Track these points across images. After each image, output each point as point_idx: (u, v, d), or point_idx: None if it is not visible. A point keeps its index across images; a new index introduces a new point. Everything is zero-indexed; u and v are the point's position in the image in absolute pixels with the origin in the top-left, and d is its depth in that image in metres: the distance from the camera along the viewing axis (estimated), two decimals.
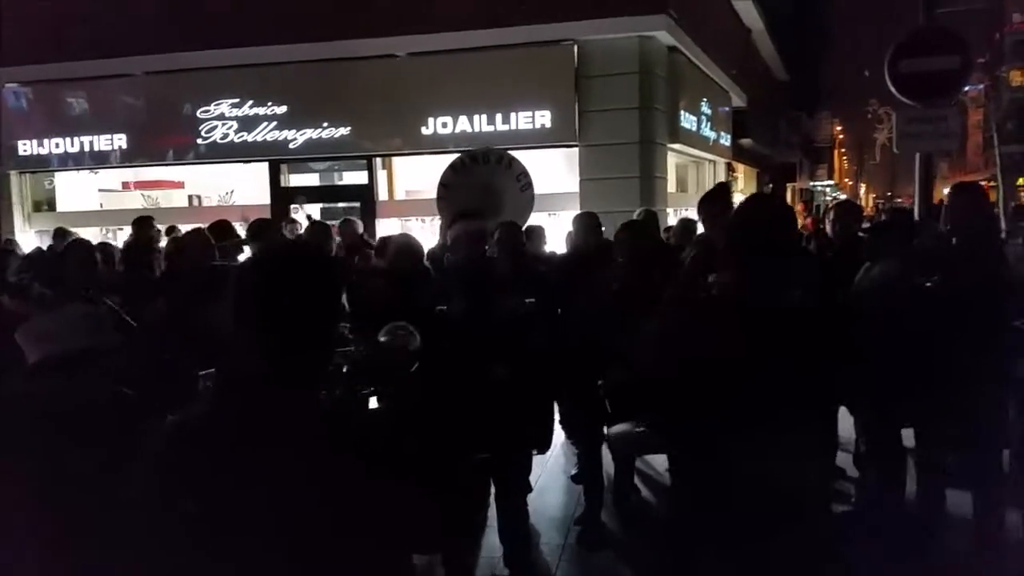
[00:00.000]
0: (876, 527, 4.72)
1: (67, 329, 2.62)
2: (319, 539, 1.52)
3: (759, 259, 2.41)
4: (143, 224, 7.25)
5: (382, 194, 11.70)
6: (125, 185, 13.47)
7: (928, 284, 4.21)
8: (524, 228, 6.54)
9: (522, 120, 10.40)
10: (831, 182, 46.16)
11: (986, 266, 4.04)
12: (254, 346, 1.62)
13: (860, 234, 5.49)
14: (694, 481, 2.46)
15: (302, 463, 1.52)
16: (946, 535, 4.45)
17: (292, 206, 11.59)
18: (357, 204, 11.46)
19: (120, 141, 11.86)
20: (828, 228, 6.22)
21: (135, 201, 13.14)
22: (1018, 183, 41.72)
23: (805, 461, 2.31)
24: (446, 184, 6.71)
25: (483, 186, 6.45)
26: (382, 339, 3.25)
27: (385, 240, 6.19)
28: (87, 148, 11.96)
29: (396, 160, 11.93)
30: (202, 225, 6.13)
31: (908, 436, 4.77)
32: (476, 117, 10.53)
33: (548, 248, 6.91)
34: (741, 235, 2.52)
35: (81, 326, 2.64)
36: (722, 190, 5.41)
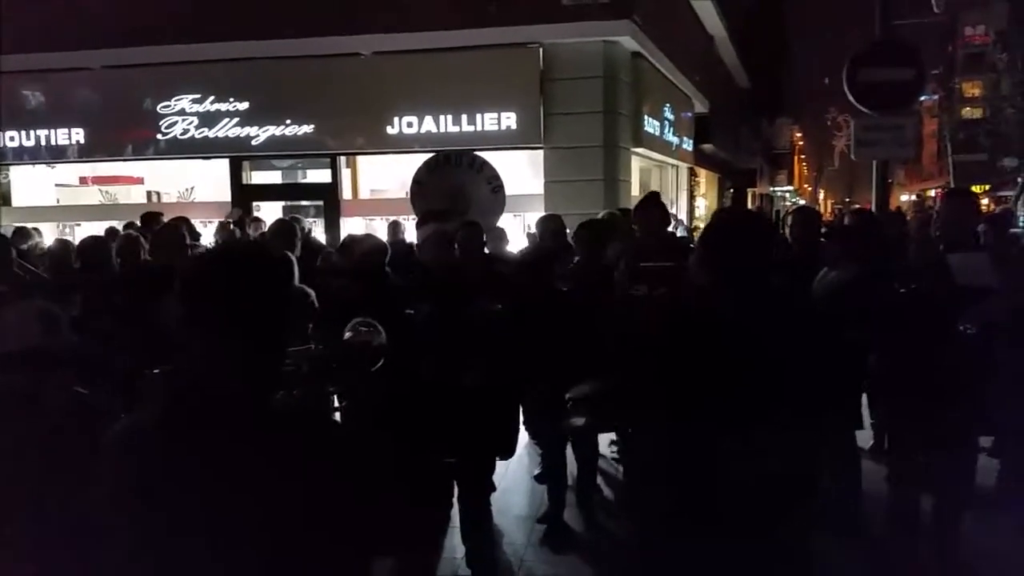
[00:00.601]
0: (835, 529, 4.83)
1: (20, 326, 2.58)
2: (275, 541, 1.52)
3: (744, 277, 2.46)
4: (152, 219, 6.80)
5: (346, 193, 11.64)
6: (83, 180, 13.21)
7: (903, 290, 4.28)
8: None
9: (488, 121, 10.43)
10: (791, 188, 46.91)
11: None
12: (202, 346, 1.61)
13: (820, 239, 5.60)
14: (674, 480, 2.48)
15: (254, 465, 1.51)
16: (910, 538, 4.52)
17: (254, 203, 11.50)
18: (320, 203, 11.40)
19: (78, 135, 11.64)
20: (787, 233, 6.32)
21: (92, 196, 12.91)
22: (972, 189, 42.73)
23: (786, 463, 2.35)
24: (419, 182, 6.78)
25: (454, 186, 6.50)
26: (346, 335, 3.24)
27: (350, 239, 6.16)
28: (44, 142, 11.72)
29: (360, 159, 11.88)
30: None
31: (863, 438, 4.87)
32: (442, 117, 10.53)
33: (510, 248, 6.94)
34: (728, 253, 2.53)
35: (35, 324, 2.60)
36: (656, 199, 5.71)
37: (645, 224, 5.57)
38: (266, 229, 7.73)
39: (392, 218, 9.66)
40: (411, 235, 8.91)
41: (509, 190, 9.68)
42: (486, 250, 5.80)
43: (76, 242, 7.29)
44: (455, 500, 4.39)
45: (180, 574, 1.51)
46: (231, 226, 8.36)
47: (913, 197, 59.80)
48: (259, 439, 1.54)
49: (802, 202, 49.24)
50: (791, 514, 2.40)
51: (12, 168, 12.32)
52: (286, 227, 6.21)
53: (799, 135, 56.95)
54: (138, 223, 8.10)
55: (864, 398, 5.10)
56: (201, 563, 1.50)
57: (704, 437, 2.30)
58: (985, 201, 43.10)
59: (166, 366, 3.12)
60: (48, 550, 2.19)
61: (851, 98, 7.24)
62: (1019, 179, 21.25)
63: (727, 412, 2.26)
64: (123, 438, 1.63)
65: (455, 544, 4.50)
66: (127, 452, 1.59)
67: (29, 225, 9.31)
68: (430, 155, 6.77)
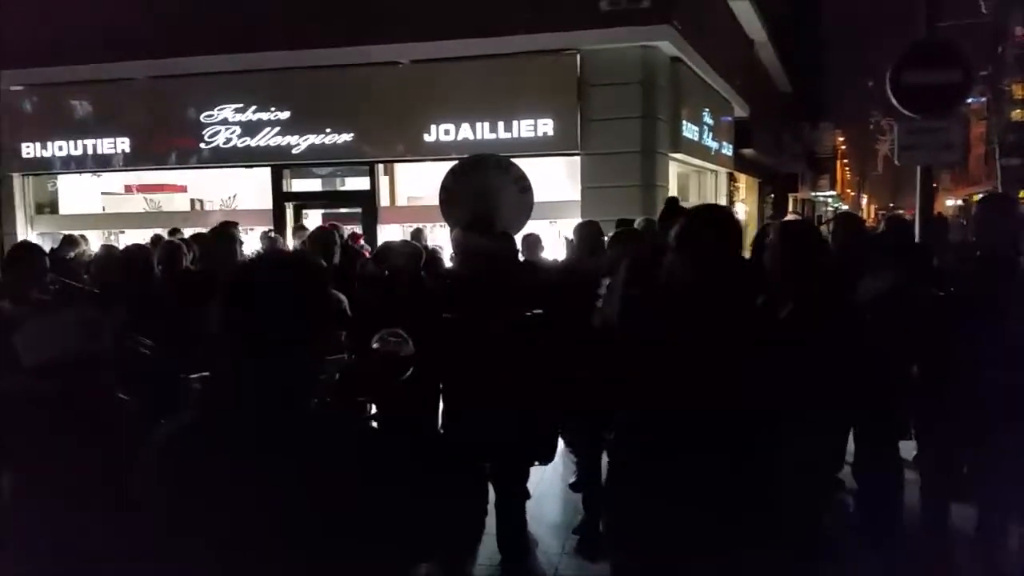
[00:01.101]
0: (868, 538, 4.73)
1: (62, 334, 2.62)
2: (312, 547, 1.52)
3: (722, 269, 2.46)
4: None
5: (384, 200, 11.72)
6: (128, 188, 13.50)
7: (941, 294, 4.21)
8: (522, 236, 6.60)
9: (524, 128, 10.43)
10: (833, 192, 46.17)
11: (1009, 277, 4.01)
12: (240, 352, 1.62)
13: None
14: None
15: (291, 471, 1.52)
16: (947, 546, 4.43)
17: (304, 211, 11.68)
18: (359, 210, 11.50)
19: (123, 144, 11.87)
20: (829, 239, 6.23)
21: (137, 204, 13.17)
22: (1020, 195, 41.74)
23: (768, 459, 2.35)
24: (447, 188, 6.77)
25: (482, 190, 6.49)
26: (374, 345, 3.26)
27: (386, 246, 6.20)
28: (90, 151, 11.98)
29: (398, 167, 11.96)
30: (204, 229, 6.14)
31: (906, 448, 4.78)
32: (478, 124, 10.56)
33: (546, 255, 6.93)
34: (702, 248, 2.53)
35: (76, 331, 2.64)
36: (675, 205, 5.63)
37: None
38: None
39: (415, 226, 9.75)
40: (435, 241, 8.99)
41: (545, 196, 9.67)
42: (521, 257, 5.79)
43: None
44: (491, 506, 4.38)
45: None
46: (271, 234, 8.46)
47: (959, 202, 58.56)
48: (296, 445, 1.55)
49: (845, 207, 48.48)
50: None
51: (60, 177, 12.62)
52: (325, 235, 6.27)
53: (842, 139, 56.10)
54: (180, 231, 8.21)
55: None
56: (239, 566, 1.51)
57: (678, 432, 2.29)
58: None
59: (204, 373, 3.16)
60: (89, 552, 2.22)
61: (894, 101, 7.09)
62: None
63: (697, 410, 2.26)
64: (161, 442, 1.65)
65: (492, 551, 4.49)
66: (165, 455, 1.61)
67: (76, 233, 9.51)
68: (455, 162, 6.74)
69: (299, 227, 9.83)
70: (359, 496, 1.55)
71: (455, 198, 6.62)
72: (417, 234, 8.75)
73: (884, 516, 4.69)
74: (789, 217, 10.54)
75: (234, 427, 1.56)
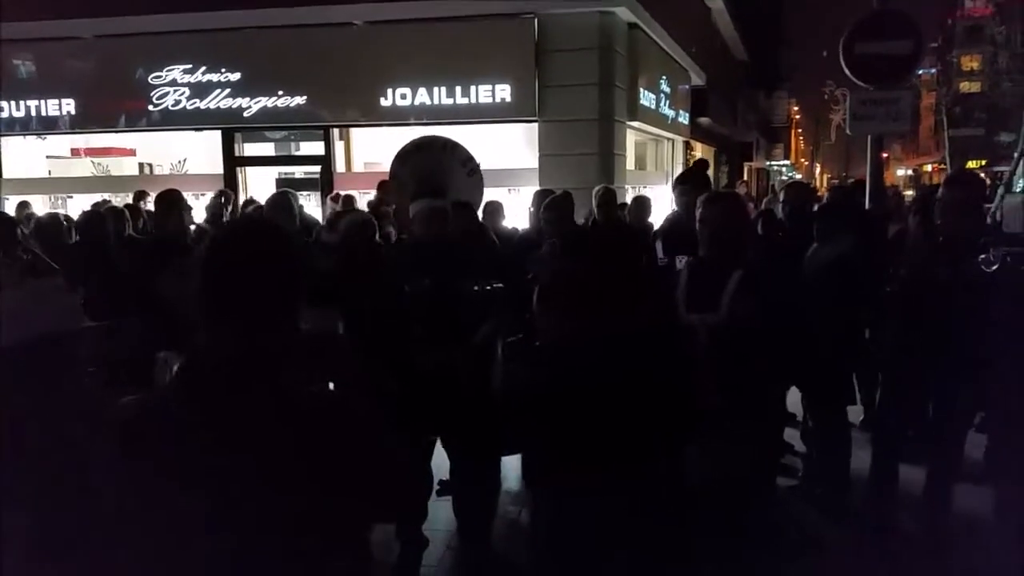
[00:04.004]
0: (821, 501, 4.88)
1: (36, 308, 2.52)
2: (275, 504, 1.52)
3: None
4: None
5: (339, 166, 11.58)
6: (74, 152, 13.10)
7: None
8: (483, 203, 6.56)
9: (482, 94, 10.34)
10: (787, 162, 46.76)
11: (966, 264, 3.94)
12: (220, 327, 1.61)
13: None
14: None
15: (266, 445, 1.52)
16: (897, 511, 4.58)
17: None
18: (315, 175, 11.34)
19: (69, 106, 11.53)
20: (779, 209, 6.31)
21: (84, 168, 12.80)
22: (967, 166, 42.70)
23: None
24: (395, 176, 6.65)
25: (429, 173, 6.38)
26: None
27: (337, 215, 6.13)
28: (34, 113, 11.61)
29: (354, 131, 11.80)
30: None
31: (853, 413, 4.92)
32: (436, 89, 10.44)
33: (506, 224, 6.92)
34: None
35: (50, 306, 2.54)
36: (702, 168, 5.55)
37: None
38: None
39: (373, 193, 9.63)
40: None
41: (504, 164, 9.63)
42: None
43: (65, 215, 7.24)
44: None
45: (191, 544, 1.52)
46: (221, 200, 8.30)
47: (910, 172, 59.69)
48: (269, 419, 1.55)
49: (798, 176, 49.15)
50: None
51: (2, 139, 12.19)
52: (284, 200, 6.12)
53: (796, 109, 56.72)
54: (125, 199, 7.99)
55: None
56: (198, 522, 1.51)
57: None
58: (981, 176, 43.06)
59: (170, 351, 3.10)
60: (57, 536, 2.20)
61: (847, 71, 7.19)
62: (1015, 154, 21.17)
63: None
64: (134, 410, 1.64)
65: (449, 517, 4.53)
66: (140, 431, 1.60)
67: (21, 198, 9.25)
68: (408, 141, 6.58)
69: (249, 200, 9.62)
70: (324, 456, 1.55)
71: (402, 184, 6.49)
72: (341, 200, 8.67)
73: (834, 478, 4.84)
74: (739, 188, 10.66)
75: (209, 400, 1.55)
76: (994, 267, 3.81)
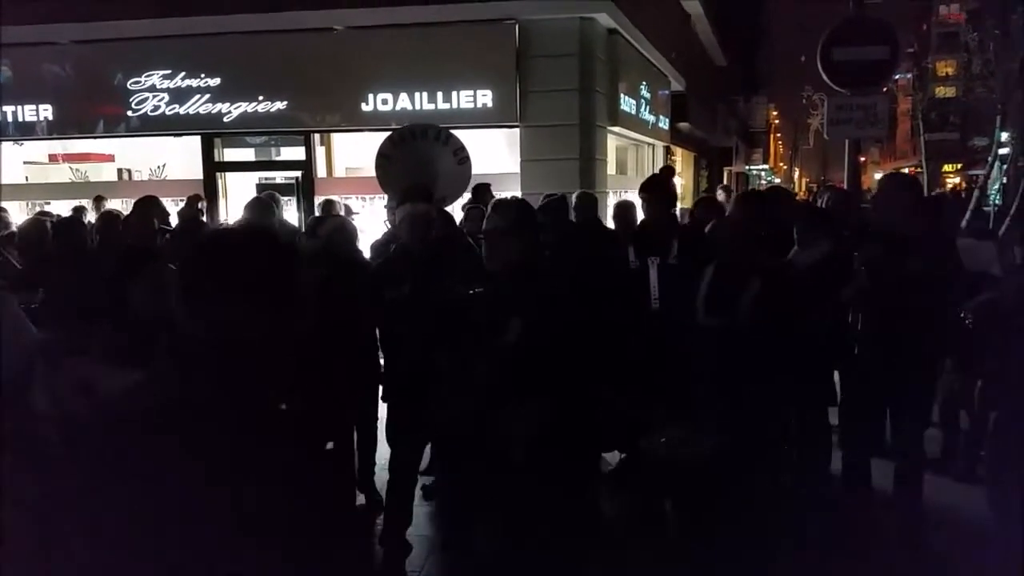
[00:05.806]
0: (804, 501, 4.92)
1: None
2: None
3: None
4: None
5: (320, 171, 11.54)
6: (52, 158, 12.99)
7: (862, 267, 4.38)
8: (466, 210, 6.60)
9: (464, 99, 10.36)
10: (766, 166, 47.07)
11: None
12: (209, 323, 1.62)
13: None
14: None
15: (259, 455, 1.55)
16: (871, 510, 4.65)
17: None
18: (295, 180, 11.30)
19: (46, 112, 11.41)
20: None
21: (63, 174, 12.70)
22: (944, 169, 43.20)
23: None
24: (386, 155, 6.74)
25: (421, 160, 6.47)
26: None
27: (318, 220, 6.11)
28: (11, 119, 11.49)
29: (335, 136, 11.77)
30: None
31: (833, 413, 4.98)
32: (417, 95, 10.44)
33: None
34: None
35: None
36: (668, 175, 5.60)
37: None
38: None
39: (351, 197, 9.63)
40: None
41: (485, 169, 9.63)
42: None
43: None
44: None
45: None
46: (199, 204, 8.28)
47: None
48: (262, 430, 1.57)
49: (777, 180, 49.50)
50: None
51: None
52: (264, 204, 6.11)
53: (775, 114, 57.11)
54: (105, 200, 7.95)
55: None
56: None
57: None
58: (957, 179, 43.60)
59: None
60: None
61: (825, 76, 7.28)
62: (989, 158, 21.43)
63: None
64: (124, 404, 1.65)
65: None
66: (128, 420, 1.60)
67: None
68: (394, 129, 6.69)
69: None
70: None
71: (393, 165, 6.60)
72: (328, 206, 8.68)
73: (814, 477, 4.90)
74: (719, 193, 10.80)
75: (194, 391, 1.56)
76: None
